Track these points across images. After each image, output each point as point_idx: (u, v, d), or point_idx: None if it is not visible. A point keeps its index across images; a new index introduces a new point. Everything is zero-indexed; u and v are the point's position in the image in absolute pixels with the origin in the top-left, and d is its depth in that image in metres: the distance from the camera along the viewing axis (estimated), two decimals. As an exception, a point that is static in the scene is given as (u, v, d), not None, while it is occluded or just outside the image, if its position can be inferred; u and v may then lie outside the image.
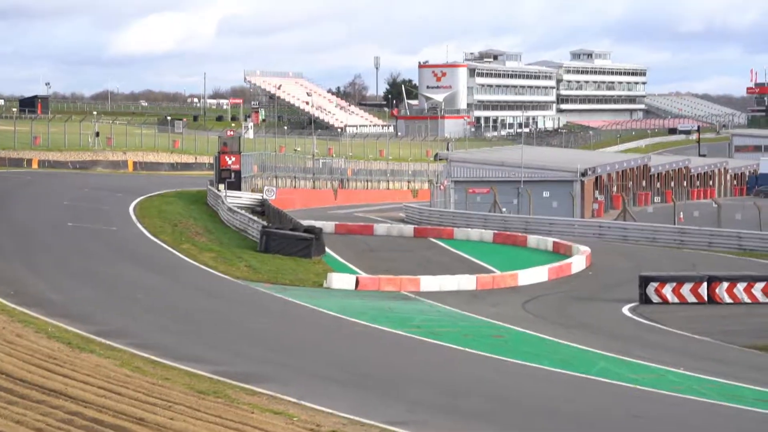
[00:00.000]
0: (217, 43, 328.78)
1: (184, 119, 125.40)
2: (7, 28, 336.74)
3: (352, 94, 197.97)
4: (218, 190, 51.87)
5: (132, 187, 58.74)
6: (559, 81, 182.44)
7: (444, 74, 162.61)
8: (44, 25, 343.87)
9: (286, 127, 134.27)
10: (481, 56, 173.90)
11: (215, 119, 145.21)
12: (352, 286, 34.69)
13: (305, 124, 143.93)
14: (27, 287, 27.41)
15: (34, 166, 69.69)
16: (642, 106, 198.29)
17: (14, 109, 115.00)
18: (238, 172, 54.90)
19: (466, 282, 36.36)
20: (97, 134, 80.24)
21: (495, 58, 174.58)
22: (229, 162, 54.67)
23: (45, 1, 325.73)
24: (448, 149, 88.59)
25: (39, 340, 20.08)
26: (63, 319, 22.92)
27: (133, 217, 45.57)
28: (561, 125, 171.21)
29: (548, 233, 51.32)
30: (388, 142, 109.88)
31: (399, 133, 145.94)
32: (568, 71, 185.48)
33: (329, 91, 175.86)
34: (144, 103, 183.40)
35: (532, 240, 48.37)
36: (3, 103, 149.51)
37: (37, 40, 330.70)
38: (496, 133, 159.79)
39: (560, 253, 44.98)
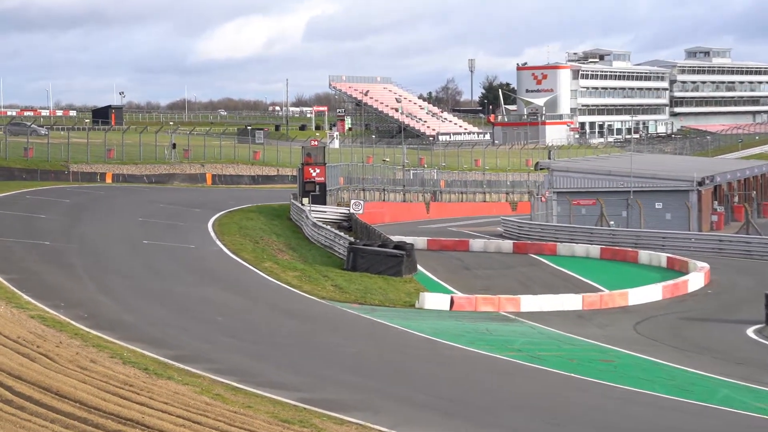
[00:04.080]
0: (303, 47, 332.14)
1: (266, 129, 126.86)
2: (83, 35, 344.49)
3: (444, 100, 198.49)
4: (302, 204, 52.28)
5: (210, 201, 59.47)
6: (672, 82, 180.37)
7: (545, 77, 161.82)
8: (121, 31, 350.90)
9: (374, 136, 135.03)
10: (586, 56, 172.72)
11: (298, 128, 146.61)
12: (447, 307, 34.67)
13: (394, 132, 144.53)
14: (101, 309, 27.80)
15: (108, 180, 70.56)
16: (766, 108, 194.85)
17: (87, 121, 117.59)
18: (323, 185, 55.26)
19: (570, 301, 36.15)
20: (174, 146, 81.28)
21: (601, 58, 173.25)
22: (314, 174, 55.06)
23: (124, 7, 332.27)
24: (549, 158, 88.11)
25: (114, 366, 20.33)
26: (139, 343, 23.18)
27: (212, 234, 46.08)
28: (675, 130, 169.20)
29: (661, 248, 50.78)
30: (484, 151, 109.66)
31: (496, 141, 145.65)
32: (683, 71, 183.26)
33: (420, 96, 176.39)
34: (223, 112, 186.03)
35: (644, 255, 47.86)
36: (75, 114, 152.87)
37: (113, 47, 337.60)
38: (602, 140, 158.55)
39: (675, 269, 44.48)
